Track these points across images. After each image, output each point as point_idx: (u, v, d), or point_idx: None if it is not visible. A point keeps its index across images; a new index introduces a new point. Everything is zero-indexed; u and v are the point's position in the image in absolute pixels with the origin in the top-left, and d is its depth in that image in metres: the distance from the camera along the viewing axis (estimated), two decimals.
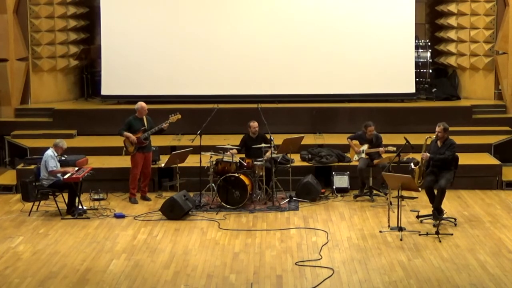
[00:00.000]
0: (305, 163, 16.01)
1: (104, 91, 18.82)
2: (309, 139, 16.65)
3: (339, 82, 18.49)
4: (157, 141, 15.84)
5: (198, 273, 11.11)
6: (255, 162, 14.73)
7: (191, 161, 15.19)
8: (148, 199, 15.08)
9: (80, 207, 14.11)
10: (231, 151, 14.93)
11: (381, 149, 15.03)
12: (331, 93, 18.46)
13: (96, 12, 19.14)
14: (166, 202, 13.98)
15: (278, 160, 15.22)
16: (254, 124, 15.28)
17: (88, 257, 11.89)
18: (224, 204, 14.38)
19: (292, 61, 18.46)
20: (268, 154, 14.83)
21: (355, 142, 15.30)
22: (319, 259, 11.63)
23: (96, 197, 14.86)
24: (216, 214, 14.07)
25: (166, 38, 18.56)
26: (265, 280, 10.84)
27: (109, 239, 12.78)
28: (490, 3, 18.36)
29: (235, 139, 15.64)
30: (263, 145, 14.88)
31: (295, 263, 11.45)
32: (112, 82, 18.72)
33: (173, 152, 15.15)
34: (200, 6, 18.54)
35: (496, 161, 16.13)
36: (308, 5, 18.47)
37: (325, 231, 12.99)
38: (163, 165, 15.28)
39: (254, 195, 14.81)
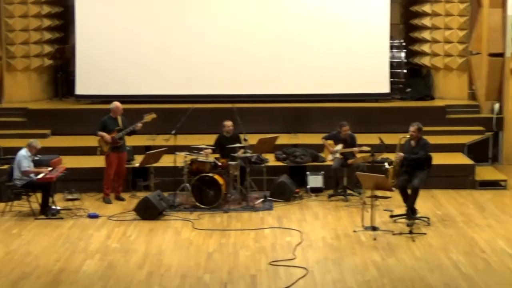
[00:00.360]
0: (279, 163, 16.02)
1: (79, 90, 18.73)
2: (283, 139, 16.63)
3: (314, 82, 18.47)
4: (131, 140, 15.76)
5: (172, 273, 11.09)
6: (229, 162, 14.72)
7: (166, 161, 15.14)
8: (122, 199, 15.02)
9: (53, 207, 14.04)
10: (205, 151, 14.91)
11: (355, 149, 15.08)
12: (306, 93, 18.49)
13: (71, 12, 18.98)
14: (140, 202, 13.94)
15: (253, 160, 15.21)
16: (228, 124, 15.28)
17: (61, 257, 11.82)
18: (199, 204, 14.35)
19: (267, 61, 18.42)
20: (239, 153, 14.82)
21: (330, 142, 15.32)
22: (293, 259, 11.64)
23: (70, 197, 14.80)
24: (191, 214, 14.05)
25: (141, 38, 18.46)
26: (239, 280, 10.84)
27: (82, 239, 12.72)
28: (464, 3, 18.45)
29: (210, 139, 15.61)
30: (237, 144, 14.88)
31: (269, 263, 11.45)
32: (87, 82, 18.62)
33: (147, 152, 15.12)
34: (174, 6, 18.47)
35: (469, 161, 16.22)
36: (282, 5, 18.47)
37: (299, 231, 13.00)
38: (137, 165, 15.24)
39: (229, 195, 14.80)
